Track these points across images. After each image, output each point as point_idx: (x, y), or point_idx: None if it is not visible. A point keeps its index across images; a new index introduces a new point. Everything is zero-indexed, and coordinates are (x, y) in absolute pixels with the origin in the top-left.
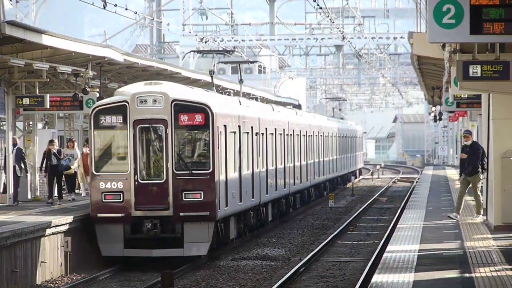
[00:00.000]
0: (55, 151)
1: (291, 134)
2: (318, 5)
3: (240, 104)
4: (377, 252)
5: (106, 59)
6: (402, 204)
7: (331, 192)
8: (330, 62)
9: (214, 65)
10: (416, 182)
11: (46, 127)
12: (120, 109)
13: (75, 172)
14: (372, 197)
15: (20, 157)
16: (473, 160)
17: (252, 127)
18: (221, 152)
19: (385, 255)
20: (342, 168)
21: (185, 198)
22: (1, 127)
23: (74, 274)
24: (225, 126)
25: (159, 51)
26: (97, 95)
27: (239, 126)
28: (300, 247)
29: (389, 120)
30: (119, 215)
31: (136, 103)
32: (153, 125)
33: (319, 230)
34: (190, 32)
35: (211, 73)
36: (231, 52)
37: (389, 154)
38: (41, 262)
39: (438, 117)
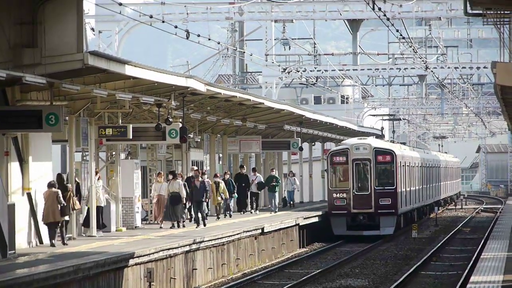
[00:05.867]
0: None
1: (427, 166)
2: (401, 35)
3: (401, 148)
4: (461, 283)
5: (189, 89)
6: (486, 234)
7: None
8: (413, 92)
9: (381, 125)
10: (500, 212)
11: (129, 157)
12: (345, 153)
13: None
14: (455, 227)
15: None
16: None
17: (410, 162)
18: (401, 177)
19: (468, 285)
20: (425, 198)
21: (381, 202)
22: (85, 158)
23: None
24: (400, 162)
25: (242, 81)
26: (180, 125)
27: (405, 162)
28: (384, 278)
29: (472, 150)
30: (344, 211)
31: (353, 150)
32: (363, 162)
33: (402, 260)
34: (273, 62)
35: (382, 130)
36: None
37: (472, 184)
38: None
39: None
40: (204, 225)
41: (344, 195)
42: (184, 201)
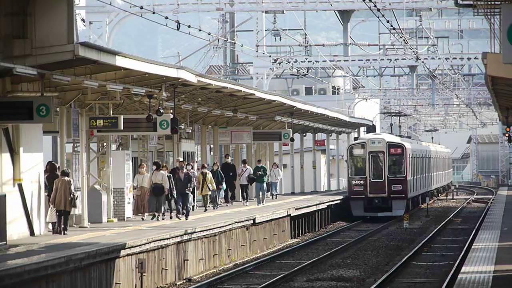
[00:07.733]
0: None
1: (426, 157)
2: (391, 26)
3: (407, 141)
4: (452, 273)
5: (179, 80)
6: (477, 225)
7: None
8: (404, 83)
9: (392, 125)
10: (491, 203)
11: (120, 148)
12: (362, 146)
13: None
14: (446, 218)
15: None
16: None
17: (417, 154)
18: (409, 166)
19: (460, 276)
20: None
21: (393, 188)
22: (76, 149)
23: None
24: (409, 154)
25: (233, 72)
26: (171, 116)
27: (413, 153)
28: (375, 268)
29: (463, 140)
30: (362, 196)
31: (369, 143)
32: (378, 153)
33: (394, 251)
34: (263, 53)
35: (391, 125)
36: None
37: (463, 175)
38: (116, 283)
39: None
40: (186, 218)
41: (362, 182)
42: (167, 193)
